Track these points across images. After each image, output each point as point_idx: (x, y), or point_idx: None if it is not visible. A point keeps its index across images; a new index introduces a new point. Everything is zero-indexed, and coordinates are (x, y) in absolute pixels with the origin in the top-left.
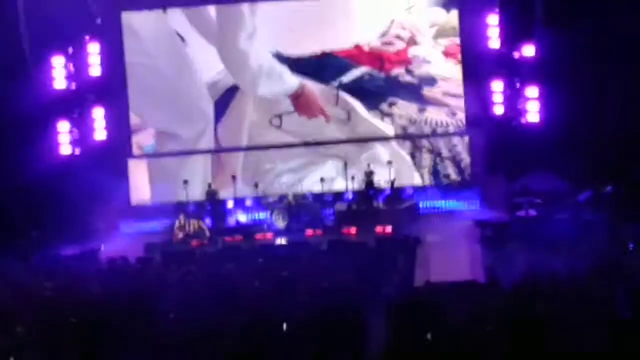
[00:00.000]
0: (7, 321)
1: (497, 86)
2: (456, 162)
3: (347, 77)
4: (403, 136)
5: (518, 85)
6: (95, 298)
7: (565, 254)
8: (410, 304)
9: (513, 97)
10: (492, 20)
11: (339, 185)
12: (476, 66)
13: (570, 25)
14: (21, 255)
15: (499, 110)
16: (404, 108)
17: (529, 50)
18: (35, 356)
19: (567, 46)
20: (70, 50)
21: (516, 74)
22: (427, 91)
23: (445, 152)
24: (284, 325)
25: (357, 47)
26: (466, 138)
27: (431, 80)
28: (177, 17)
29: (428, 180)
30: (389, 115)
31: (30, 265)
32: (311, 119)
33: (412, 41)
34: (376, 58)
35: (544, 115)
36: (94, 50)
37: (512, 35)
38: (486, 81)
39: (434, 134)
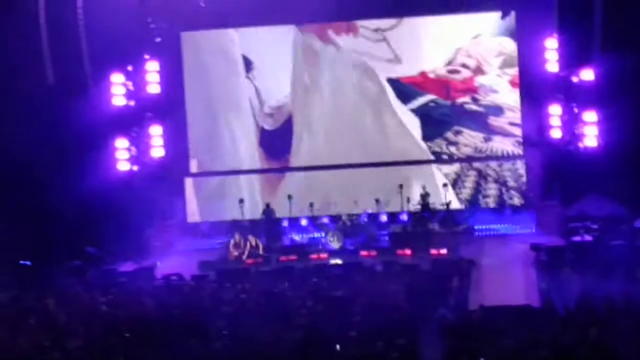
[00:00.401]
0: (61, 336)
1: (555, 110)
2: (520, 192)
3: (412, 104)
4: (460, 159)
5: (576, 109)
6: (149, 314)
7: (621, 280)
8: (464, 327)
9: (571, 121)
10: (551, 44)
11: (395, 206)
12: (534, 90)
13: (629, 49)
14: (78, 271)
15: (556, 134)
16: (470, 137)
17: (587, 75)
18: None
19: (625, 71)
20: (130, 68)
21: (574, 98)
22: (493, 120)
23: (511, 182)
24: (337, 346)
25: (423, 74)
26: (523, 162)
27: (497, 110)
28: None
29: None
30: (455, 143)
31: (86, 280)
32: None
33: (478, 70)
34: (442, 86)
35: (601, 140)
36: (152, 69)
37: (571, 60)
38: (544, 105)
39: (490, 158)
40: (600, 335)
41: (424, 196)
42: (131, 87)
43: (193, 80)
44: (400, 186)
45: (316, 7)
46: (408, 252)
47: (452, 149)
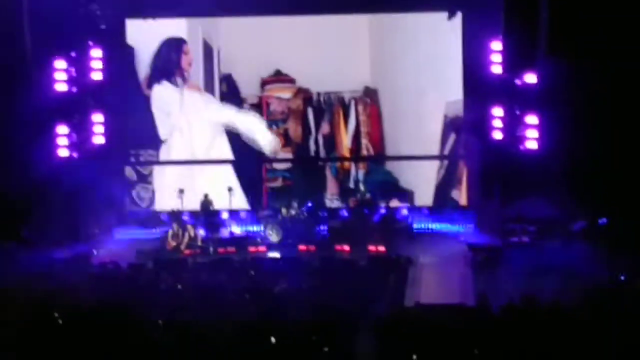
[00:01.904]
0: None
1: (497, 112)
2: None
3: None
4: (401, 157)
5: (518, 111)
6: (84, 301)
7: (555, 282)
8: (399, 323)
9: (512, 124)
10: (496, 46)
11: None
12: (477, 91)
13: (572, 54)
14: (11, 254)
15: (497, 135)
16: None
17: (530, 78)
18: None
19: (568, 75)
20: (73, 54)
21: (517, 100)
22: None
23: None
24: (272, 339)
25: None
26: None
27: None
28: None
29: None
30: None
31: (19, 265)
32: None
33: None
34: None
35: (542, 143)
36: (96, 55)
37: (515, 62)
38: (486, 106)
39: (432, 156)
40: (532, 335)
41: (364, 193)
42: (74, 74)
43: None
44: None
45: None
46: (346, 247)
47: None
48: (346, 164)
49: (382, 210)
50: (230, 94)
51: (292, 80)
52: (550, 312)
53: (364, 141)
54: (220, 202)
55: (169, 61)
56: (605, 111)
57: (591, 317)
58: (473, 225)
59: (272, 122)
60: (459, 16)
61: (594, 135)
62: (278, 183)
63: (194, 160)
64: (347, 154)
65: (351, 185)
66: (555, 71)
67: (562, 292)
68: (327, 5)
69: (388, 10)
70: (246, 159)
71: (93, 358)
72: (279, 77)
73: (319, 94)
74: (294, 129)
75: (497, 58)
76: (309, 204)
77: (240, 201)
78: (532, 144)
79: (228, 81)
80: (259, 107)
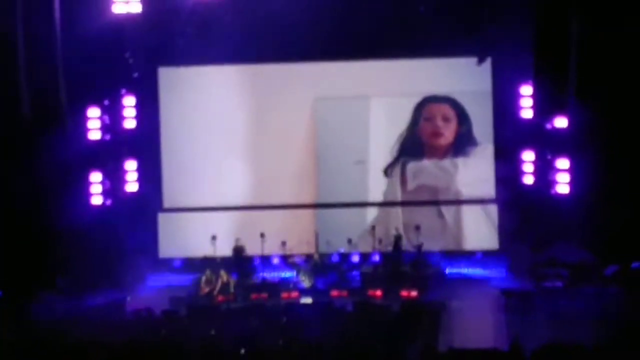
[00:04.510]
0: None
1: (528, 156)
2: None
3: None
4: (433, 202)
5: (549, 156)
6: (119, 349)
7: (589, 327)
8: None
9: (543, 168)
10: (526, 90)
11: (366, 247)
12: (508, 135)
13: (604, 98)
14: (47, 304)
15: (528, 180)
16: None
17: (561, 122)
18: None
19: (599, 119)
20: (106, 102)
21: (547, 145)
22: None
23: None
24: None
25: None
26: (495, 207)
27: None
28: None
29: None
30: None
31: (55, 313)
32: None
33: None
34: None
35: (573, 187)
36: (129, 104)
37: (545, 107)
38: (517, 151)
39: (464, 201)
40: None
41: (397, 238)
42: (107, 122)
43: (169, 116)
44: (373, 227)
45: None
46: (379, 292)
47: None
48: None
49: (414, 255)
50: None
51: None
52: (584, 357)
53: None
54: (252, 248)
55: None
56: (637, 155)
57: None
58: (505, 270)
59: None
60: (488, 61)
61: (626, 179)
62: None
63: (230, 207)
64: None
65: None
66: (586, 115)
67: (596, 336)
68: (358, 51)
69: (418, 56)
70: None
71: None
72: None
73: None
74: None
75: (527, 102)
76: (341, 249)
77: (272, 247)
78: (563, 188)
79: None
80: None
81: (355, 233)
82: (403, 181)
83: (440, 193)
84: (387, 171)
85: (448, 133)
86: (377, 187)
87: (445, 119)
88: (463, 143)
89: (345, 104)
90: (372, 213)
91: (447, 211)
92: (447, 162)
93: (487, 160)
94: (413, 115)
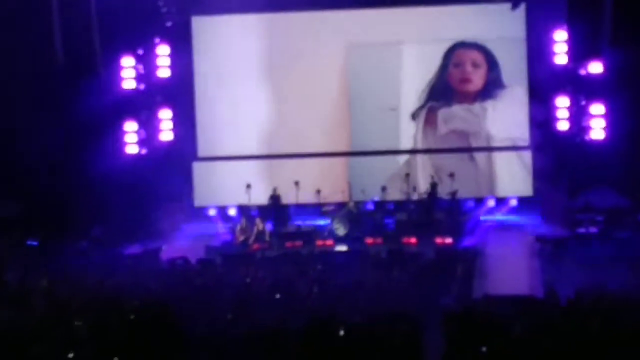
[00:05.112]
0: (66, 316)
1: (563, 102)
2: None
3: None
4: (466, 149)
5: (584, 102)
6: (154, 297)
7: (624, 272)
8: (468, 315)
9: (578, 114)
10: (560, 36)
11: (401, 194)
12: (542, 81)
13: (638, 43)
14: (83, 252)
15: (563, 126)
16: None
17: (596, 67)
18: (93, 352)
19: (634, 64)
20: (140, 51)
21: (582, 90)
22: None
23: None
24: (341, 331)
25: None
26: (529, 153)
27: None
28: None
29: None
30: None
31: (92, 262)
32: None
33: None
34: None
35: (608, 132)
36: (163, 53)
37: (579, 52)
38: (552, 97)
39: (497, 148)
40: (602, 325)
41: (433, 185)
42: (141, 71)
43: (203, 65)
44: (407, 175)
45: None
46: (413, 240)
47: None
48: None
49: (449, 202)
50: None
51: None
52: (619, 303)
53: None
54: (288, 196)
55: None
56: None
57: None
58: (540, 217)
59: None
60: (522, 6)
61: None
62: None
63: (264, 155)
64: None
65: None
66: (621, 60)
67: (631, 282)
68: None
69: (451, 3)
70: None
71: (162, 352)
72: None
73: None
74: None
75: (561, 48)
76: (375, 197)
77: (307, 195)
78: (598, 134)
79: None
80: None
81: (388, 180)
82: (433, 126)
83: (472, 137)
84: (414, 115)
85: (477, 79)
86: (408, 134)
87: (475, 65)
88: (492, 89)
89: (377, 50)
90: (404, 159)
91: (479, 156)
92: (476, 107)
93: (518, 103)
94: (442, 61)
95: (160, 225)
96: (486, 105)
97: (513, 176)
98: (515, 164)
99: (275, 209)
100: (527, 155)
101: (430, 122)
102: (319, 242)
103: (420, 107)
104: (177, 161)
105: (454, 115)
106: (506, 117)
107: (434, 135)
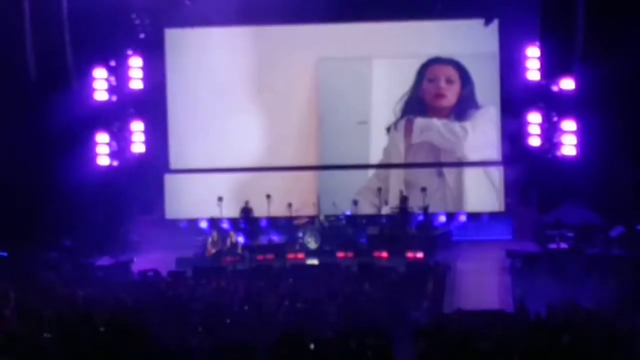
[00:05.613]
0: (36, 328)
1: (535, 118)
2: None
3: None
4: (438, 164)
5: (555, 118)
6: (125, 309)
7: (594, 288)
8: (438, 330)
9: (550, 130)
10: (532, 52)
11: (372, 208)
12: (514, 97)
13: (610, 60)
14: (54, 264)
15: (535, 142)
16: None
17: (567, 84)
18: None
19: (606, 81)
20: (113, 63)
21: (554, 107)
22: None
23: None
24: (311, 345)
25: None
26: (501, 168)
27: None
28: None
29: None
30: None
31: (62, 273)
32: None
33: None
34: None
35: (579, 149)
36: (135, 65)
37: (552, 69)
38: (524, 112)
39: (469, 163)
40: (571, 341)
41: (403, 199)
42: (114, 82)
43: (175, 77)
44: (379, 189)
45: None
46: (384, 254)
47: None
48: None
49: (420, 217)
50: None
51: None
52: (589, 318)
53: None
54: (259, 209)
55: None
56: None
57: (631, 324)
58: (511, 232)
59: None
60: (495, 23)
61: (632, 140)
62: None
63: (236, 169)
64: None
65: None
66: (592, 76)
67: (601, 298)
68: (363, 13)
69: (425, 18)
70: None
71: None
72: None
73: None
74: None
75: (534, 64)
76: (347, 211)
77: (279, 208)
78: (569, 150)
79: None
80: None
81: (359, 193)
82: (408, 134)
83: (442, 154)
84: (391, 127)
85: (451, 95)
86: (379, 148)
87: (449, 81)
88: (465, 105)
89: (348, 65)
90: (373, 172)
91: (448, 172)
92: (457, 126)
93: (490, 124)
94: (416, 76)
95: (132, 237)
96: (466, 126)
97: (482, 193)
98: (484, 183)
99: (247, 222)
100: (498, 172)
101: (408, 131)
102: (290, 256)
103: (397, 120)
104: (148, 173)
105: (432, 128)
106: (480, 140)
107: (408, 143)
